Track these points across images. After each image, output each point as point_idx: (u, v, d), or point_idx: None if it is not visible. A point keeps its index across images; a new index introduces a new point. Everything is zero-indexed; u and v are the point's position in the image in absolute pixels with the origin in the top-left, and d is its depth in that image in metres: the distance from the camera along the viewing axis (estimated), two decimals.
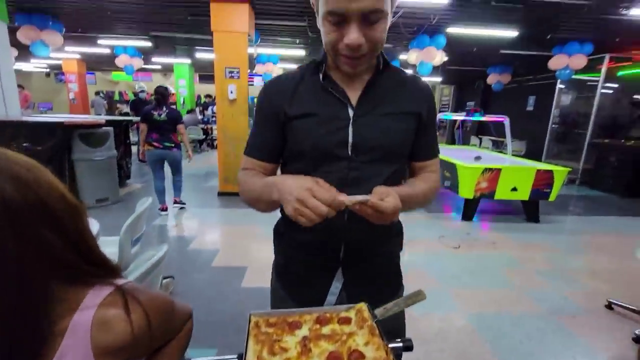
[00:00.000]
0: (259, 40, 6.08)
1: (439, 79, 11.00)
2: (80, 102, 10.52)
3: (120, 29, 6.44)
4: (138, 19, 5.68)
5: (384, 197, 0.63)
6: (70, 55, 9.28)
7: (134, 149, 6.79)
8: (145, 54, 8.28)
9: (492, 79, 8.68)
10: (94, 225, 1.61)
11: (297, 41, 6.81)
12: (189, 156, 4.10)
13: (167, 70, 12.59)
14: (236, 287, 2.45)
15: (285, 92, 0.76)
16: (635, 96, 6.30)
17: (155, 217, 3.84)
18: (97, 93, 11.12)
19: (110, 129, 4.20)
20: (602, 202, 5.46)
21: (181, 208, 4.16)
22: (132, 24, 6.04)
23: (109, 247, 2.00)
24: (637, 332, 1.99)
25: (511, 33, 5.32)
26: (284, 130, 0.77)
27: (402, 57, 7.68)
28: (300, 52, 7.81)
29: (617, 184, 5.91)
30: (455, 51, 6.86)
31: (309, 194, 0.57)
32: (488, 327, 2.08)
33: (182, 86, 10.87)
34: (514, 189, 3.91)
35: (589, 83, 6.97)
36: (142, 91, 6.36)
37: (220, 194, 4.82)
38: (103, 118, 4.88)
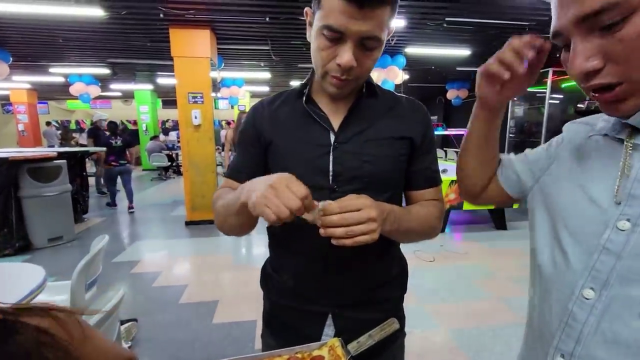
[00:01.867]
0: (223, 65, 6.05)
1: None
2: (30, 133, 9.86)
3: (74, 57, 6.17)
4: (94, 47, 5.47)
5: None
6: (19, 85, 8.74)
7: (91, 180, 6.42)
8: (103, 81, 7.97)
9: (452, 94, 9.17)
10: (37, 273, 1.42)
11: (262, 64, 6.86)
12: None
13: (128, 96, 12.19)
14: (207, 324, 2.27)
15: (267, 117, 0.73)
16: (578, 105, 6.86)
17: (116, 253, 3.56)
18: (48, 123, 10.46)
19: (63, 162, 3.91)
20: None
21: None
22: (88, 52, 5.81)
23: (60, 293, 1.79)
24: None
25: (464, 52, 5.67)
26: (266, 155, 0.73)
27: None
28: (266, 75, 7.86)
29: None
30: (415, 69, 7.21)
31: (283, 183, 0.51)
32: (469, 343, 2.06)
33: (144, 112, 10.52)
34: None
35: (538, 95, 7.54)
36: (101, 120, 6.18)
37: (188, 223, 4.59)
38: (55, 150, 4.55)
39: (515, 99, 7.63)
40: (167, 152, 9.17)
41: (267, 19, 4.06)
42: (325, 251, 0.64)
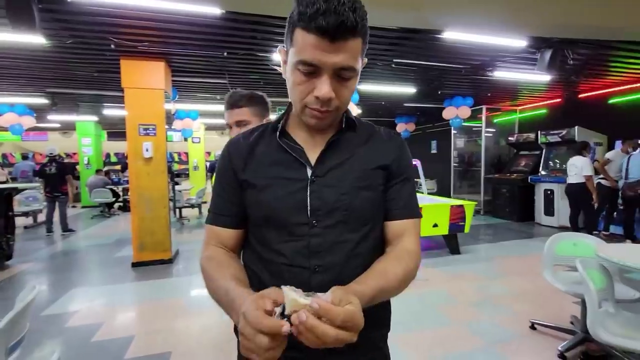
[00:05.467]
0: (177, 97, 5.90)
1: None
2: None
3: (5, 86, 5.63)
4: (30, 76, 5.06)
5: (341, 302, 0.46)
6: None
7: (19, 221, 5.66)
8: (39, 112, 7.31)
9: (400, 127, 9.82)
10: None
11: (218, 97, 6.81)
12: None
13: (68, 128, 11.27)
14: None
15: (242, 154, 0.72)
16: (509, 138, 7.71)
17: (48, 304, 3.09)
18: None
19: None
20: (503, 228, 6.27)
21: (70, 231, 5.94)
22: (22, 81, 5.35)
23: None
24: (559, 348, 2.17)
25: (411, 89, 6.17)
26: (244, 197, 0.70)
27: None
28: (221, 108, 7.78)
29: (511, 211, 6.90)
30: (367, 104, 7.65)
31: (244, 322, 0.45)
32: None
33: (86, 145, 9.74)
34: (435, 225, 4.23)
35: (474, 129, 8.37)
36: (52, 154, 5.76)
37: (135, 264, 4.17)
38: None
39: (455, 131, 8.42)
40: (111, 186, 8.48)
41: (225, 53, 4.10)
42: None
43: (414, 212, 0.72)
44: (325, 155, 0.68)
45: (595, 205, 4.91)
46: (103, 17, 3.11)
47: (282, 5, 2.76)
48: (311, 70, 0.58)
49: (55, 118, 8.76)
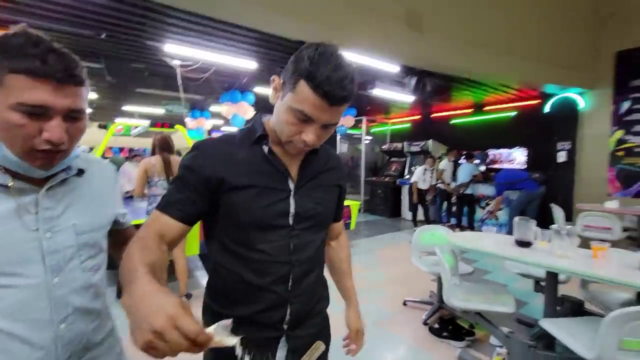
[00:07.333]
0: None
1: None
2: None
3: None
4: None
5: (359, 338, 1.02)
6: None
7: None
8: None
9: None
10: None
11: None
12: None
13: None
14: None
15: (225, 160, 0.76)
16: (383, 146, 9.02)
17: None
18: None
19: None
20: (379, 223, 7.31)
21: None
22: None
23: None
24: (423, 317, 2.75)
25: None
26: (215, 198, 0.74)
27: (213, 109, 7.89)
28: (91, 95, 6.59)
29: (385, 209, 8.10)
30: (262, 106, 7.71)
31: (170, 324, 0.44)
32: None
33: None
34: None
35: (355, 136, 9.46)
36: None
37: None
38: None
39: (340, 136, 9.35)
40: None
41: (104, 35, 3.56)
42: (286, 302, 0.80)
43: (342, 213, 1.05)
44: (303, 171, 0.83)
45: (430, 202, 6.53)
46: None
47: None
48: (305, 119, 0.69)
49: None
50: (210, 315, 0.83)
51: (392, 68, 4.47)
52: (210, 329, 0.49)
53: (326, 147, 0.93)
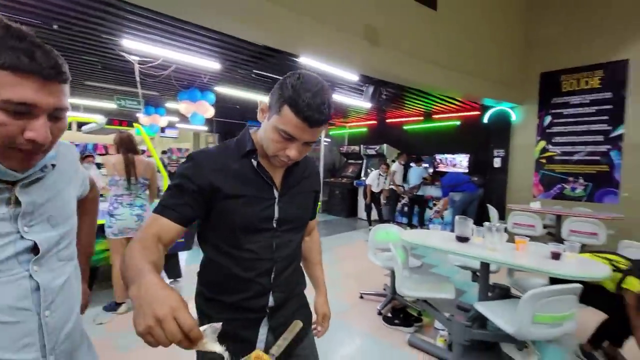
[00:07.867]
0: None
1: (205, 128, 11.55)
2: None
3: None
4: None
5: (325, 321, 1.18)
6: None
7: None
8: None
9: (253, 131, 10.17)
10: None
11: None
12: None
13: None
14: None
15: (222, 170, 0.86)
16: (341, 148, 9.36)
17: None
18: None
19: None
20: (337, 223, 7.60)
21: None
22: None
23: None
24: (378, 307, 3.02)
25: (266, 98, 6.62)
26: (210, 204, 0.85)
27: (170, 105, 7.62)
28: None
29: (342, 209, 8.41)
30: (222, 105, 7.62)
31: (171, 314, 0.50)
32: None
33: None
34: None
35: None
36: None
37: None
38: None
39: None
40: None
41: (55, 26, 3.36)
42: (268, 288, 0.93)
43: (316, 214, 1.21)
44: (285, 181, 0.95)
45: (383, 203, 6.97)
46: None
47: None
48: (289, 138, 0.81)
49: None
50: (203, 300, 0.95)
51: (351, 76, 4.74)
52: (202, 329, 0.54)
53: (306, 156, 1.06)
